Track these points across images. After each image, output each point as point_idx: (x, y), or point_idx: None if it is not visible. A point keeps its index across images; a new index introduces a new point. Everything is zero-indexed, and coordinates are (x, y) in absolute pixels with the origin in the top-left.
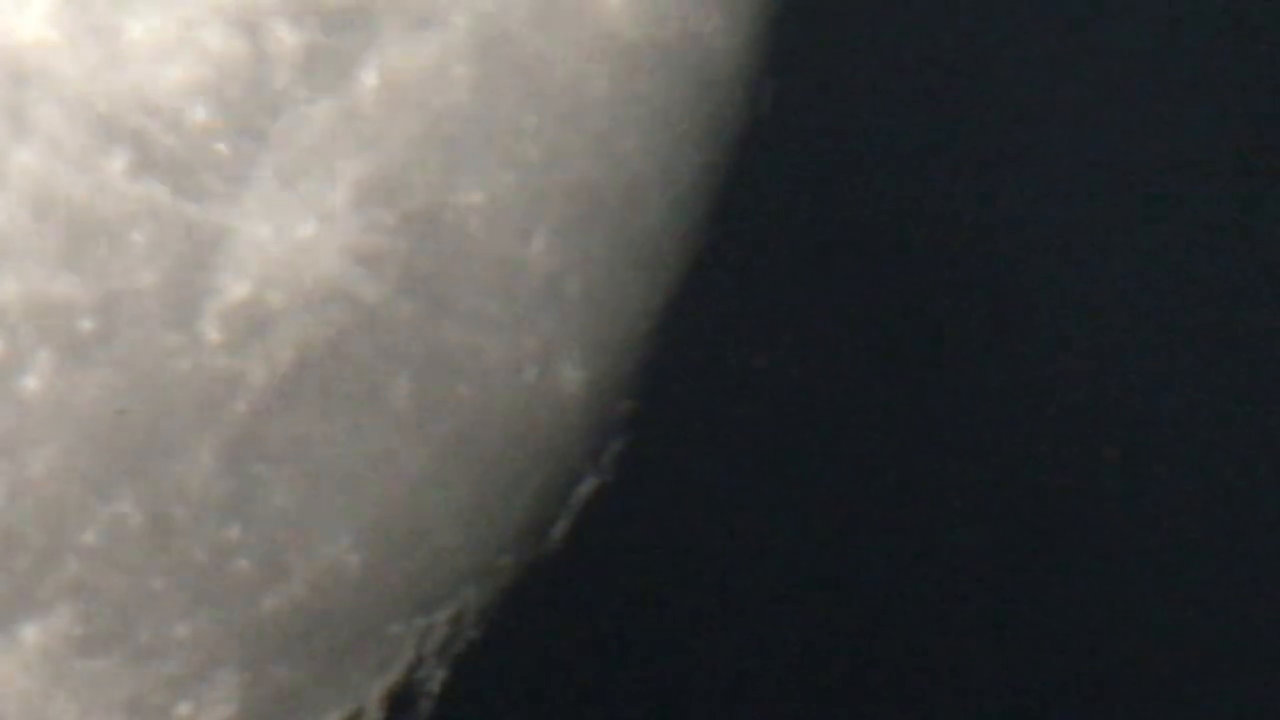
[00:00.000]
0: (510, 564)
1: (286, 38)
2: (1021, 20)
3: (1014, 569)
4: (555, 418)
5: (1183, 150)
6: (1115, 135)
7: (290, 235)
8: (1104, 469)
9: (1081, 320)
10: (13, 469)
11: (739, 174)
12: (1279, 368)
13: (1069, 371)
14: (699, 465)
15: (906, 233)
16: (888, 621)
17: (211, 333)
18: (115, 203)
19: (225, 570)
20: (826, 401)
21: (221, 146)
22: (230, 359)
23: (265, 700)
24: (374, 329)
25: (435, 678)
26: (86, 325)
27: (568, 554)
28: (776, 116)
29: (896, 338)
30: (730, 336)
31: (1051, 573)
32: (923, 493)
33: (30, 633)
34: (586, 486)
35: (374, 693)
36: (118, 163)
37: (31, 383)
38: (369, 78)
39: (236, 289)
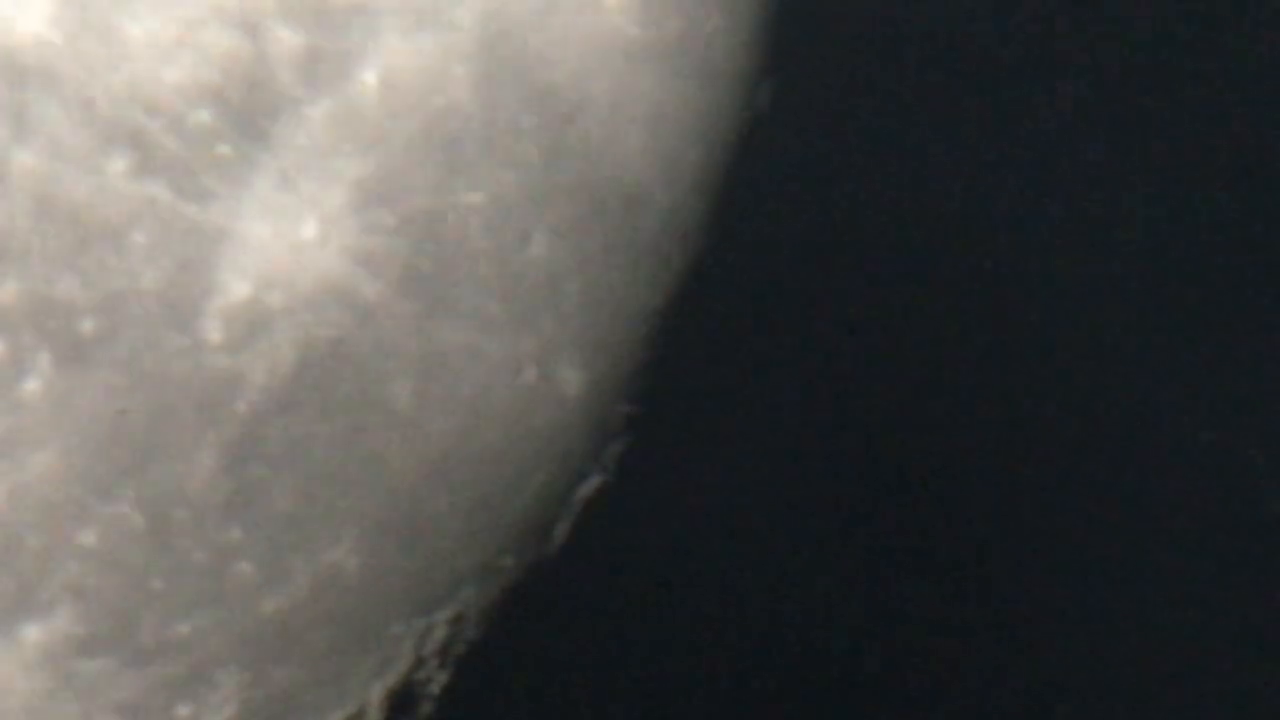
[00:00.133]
0: (511, 564)
1: (287, 38)
2: (1022, 20)
3: (1014, 569)
4: (555, 418)
5: (1183, 150)
6: (1115, 135)
7: (291, 236)
8: (1104, 469)
9: (1081, 320)
10: (13, 470)
11: (739, 174)
12: (1278, 367)
13: (1068, 371)
14: (699, 465)
15: (906, 232)
16: (888, 622)
17: (212, 333)
18: (116, 203)
19: (226, 571)
20: (826, 401)
21: (222, 147)
22: (231, 360)
23: (265, 701)
24: (374, 329)
25: (435, 678)
26: (87, 326)
27: (568, 554)
28: (776, 116)
29: (896, 337)
30: (730, 336)
31: (1051, 573)
32: (923, 493)
33: (31, 633)
34: (587, 487)
35: (374, 693)
36: (118, 163)
37: (32, 383)
38: (369, 78)
39: (237, 290)
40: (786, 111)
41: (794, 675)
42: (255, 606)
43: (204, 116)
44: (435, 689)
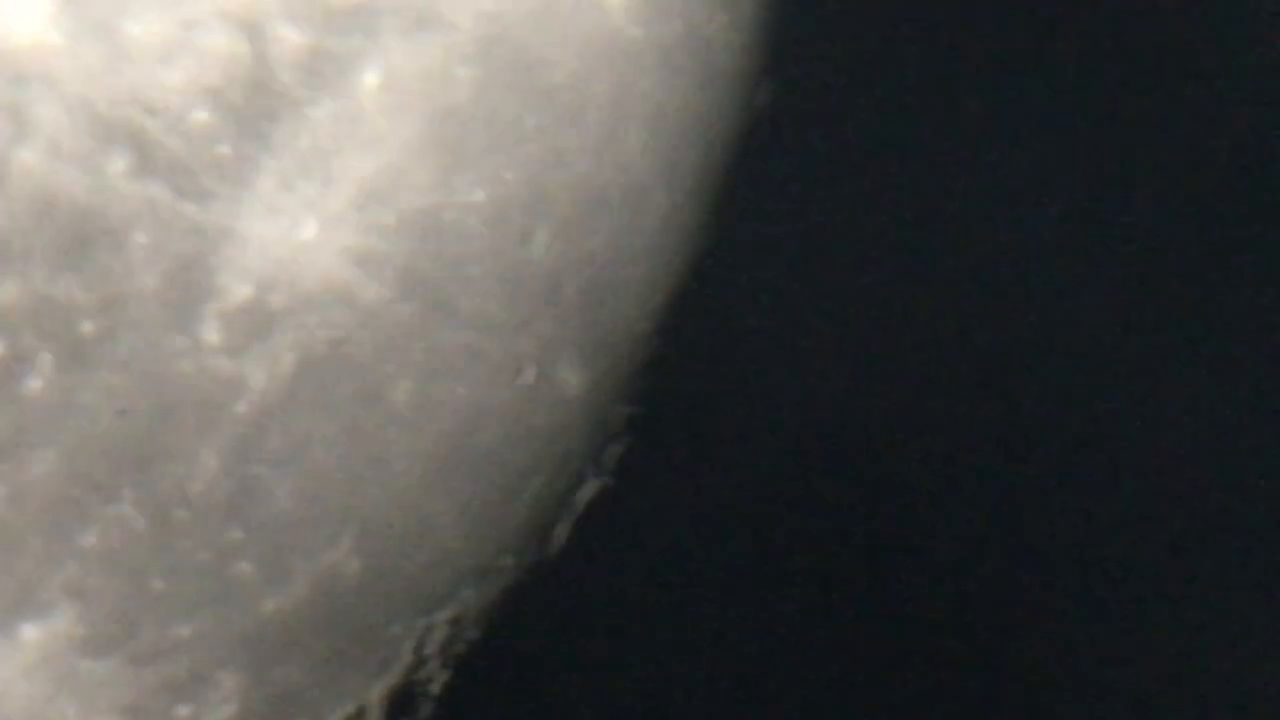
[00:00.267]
0: (511, 565)
1: (288, 39)
2: (1022, 19)
3: (1013, 570)
4: (555, 419)
5: (1183, 150)
6: (1116, 135)
7: (291, 237)
8: (1103, 469)
9: (1081, 320)
10: (14, 470)
11: (739, 174)
12: (1277, 367)
13: (1068, 371)
14: (699, 465)
15: (906, 232)
16: (888, 622)
17: (212, 335)
18: (116, 204)
19: (226, 572)
20: (826, 401)
21: (223, 148)
22: (231, 361)
23: (266, 702)
24: (375, 330)
25: (435, 679)
26: (87, 327)
27: (568, 555)
28: (776, 116)
29: (896, 337)
30: (730, 336)
31: (1050, 573)
32: (923, 493)
33: (31, 634)
34: (587, 488)
35: (374, 694)
36: (119, 164)
37: (33, 384)
38: (370, 79)
39: (238, 291)
40: (786, 111)
41: (794, 675)
42: (255, 607)
43: (204, 117)
44: (435, 689)
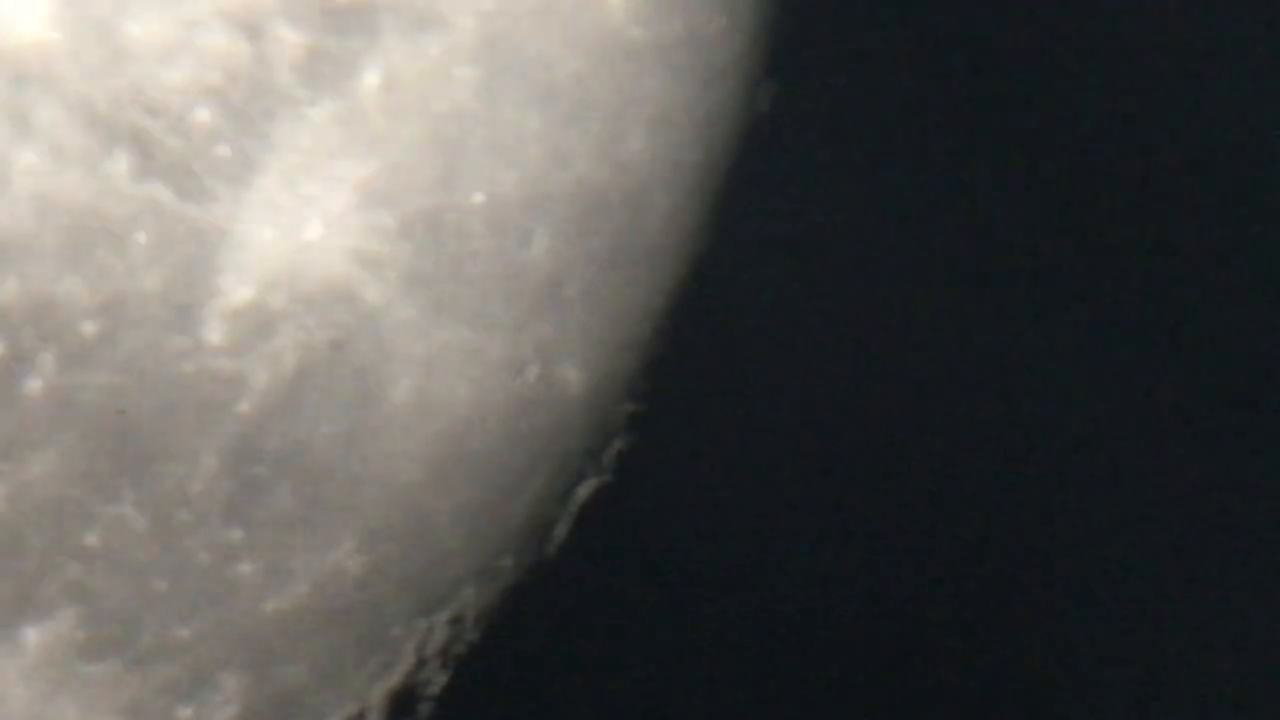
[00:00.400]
0: (510, 565)
1: (288, 39)
2: (1022, 19)
3: (1013, 570)
4: (555, 418)
5: (1183, 150)
6: (1116, 135)
7: (292, 237)
8: (1103, 469)
9: (1081, 320)
10: (14, 470)
11: (739, 174)
12: (1276, 367)
13: (1068, 371)
14: (699, 465)
15: (906, 232)
16: (888, 622)
17: (214, 335)
18: (118, 204)
19: (227, 573)
20: (826, 401)
21: (223, 148)
22: (232, 361)
23: (267, 703)
24: (375, 330)
25: (436, 679)
26: (89, 327)
27: (568, 555)
28: (776, 116)
29: (896, 337)
30: (730, 336)
31: (1050, 573)
32: (923, 493)
33: (32, 636)
34: (587, 487)
35: (375, 695)
36: (120, 164)
37: (34, 384)
38: (371, 79)
39: (239, 291)
40: (786, 111)
41: (794, 675)
42: (256, 608)
43: (205, 117)
44: (435, 690)
